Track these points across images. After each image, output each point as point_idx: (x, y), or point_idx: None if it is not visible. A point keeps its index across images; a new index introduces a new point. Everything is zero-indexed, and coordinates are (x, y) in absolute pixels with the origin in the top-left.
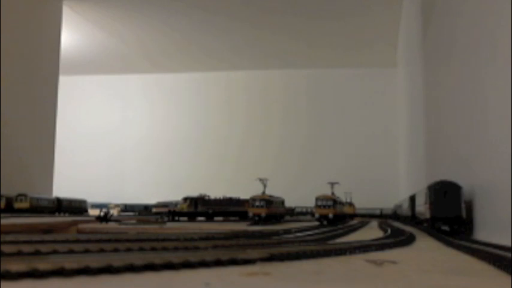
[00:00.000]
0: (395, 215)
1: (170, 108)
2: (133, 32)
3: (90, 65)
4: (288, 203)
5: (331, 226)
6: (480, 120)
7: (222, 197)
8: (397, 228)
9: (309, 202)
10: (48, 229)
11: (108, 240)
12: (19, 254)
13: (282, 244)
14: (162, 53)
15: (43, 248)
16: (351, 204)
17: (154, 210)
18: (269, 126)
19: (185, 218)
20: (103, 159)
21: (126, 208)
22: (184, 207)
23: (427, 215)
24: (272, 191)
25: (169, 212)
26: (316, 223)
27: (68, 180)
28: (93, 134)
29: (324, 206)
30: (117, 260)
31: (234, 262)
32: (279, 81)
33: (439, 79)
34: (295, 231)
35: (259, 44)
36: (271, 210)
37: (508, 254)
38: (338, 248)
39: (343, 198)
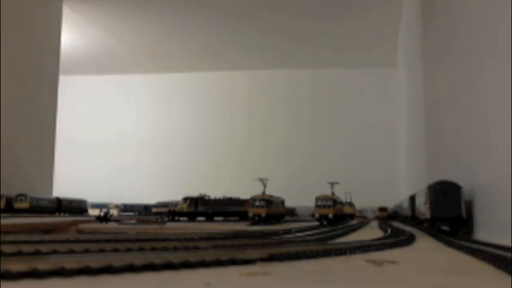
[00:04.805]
0: (395, 215)
1: (172, 107)
2: (135, 32)
3: (90, 65)
4: (288, 203)
5: (331, 226)
6: (480, 120)
7: (222, 197)
8: (397, 228)
9: (309, 202)
10: (48, 229)
11: (108, 240)
12: (19, 254)
13: (282, 244)
14: (163, 52)
15: (43, 248)
16: (351, 204)
17: (154, 210)
18: (270, 126)
19: (185, 218)
20: (103, 159)
21: (126, 208)
22: (184, 207)
23: (427, 215)
24: (272, 191)
25: (169, 212)
26: (316, 223)
27: (68, 180)
28: (94, 134)
29: (324, 206)
30: (117, 260)
31: (234, 262)
32: (280, 81)
33: (439, 79)
34: (295, 231)
35: (261, 44)
36: (271, 210)
37: (508, 254)
38: (338, 248)
39: (343, 198)
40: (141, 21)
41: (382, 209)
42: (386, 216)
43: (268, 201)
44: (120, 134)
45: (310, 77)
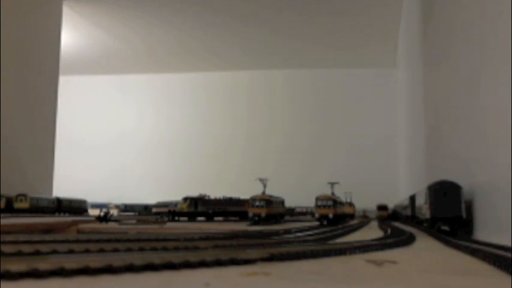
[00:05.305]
0: (395, 215)
1: (172, 107)
2: (135, 32)
3: (90, 65)
4: (288, 203)
5: (331, 226)
6: (480, 120)
7: (222, 197)
8: (397, 228)
9: (310, 202)
10: (48, 229)
11: (108, 240)
12: (19, 254)
13: (282, 244)
14: (164, 52)
15: (43, 248)
16: (351, 204)
17: (154, 210)
18: (270, 126)
19: (185, 218)
20: (103, 159)
21: (126, 208)
22: (184, 207)
23: (427, 215)
24: (273, 191)
25: (169, 212)
26: (316, 223)
27: (68, 180)
28: (94, 134)
29: (324, 206)
30: (117, 260)
31: (234, 262)
32: (281, 81)
33: (439, 79)
34: (295, 231)
35: (262, 44)
36: (271, 210)
37: (508, 254)
38: (338, 248)
39: (343, 198)
40: (141, 21)
41: (382, 208)
42: (386, 216)
43: (268, 201)
44: (120, 134)
45: (310, 77)
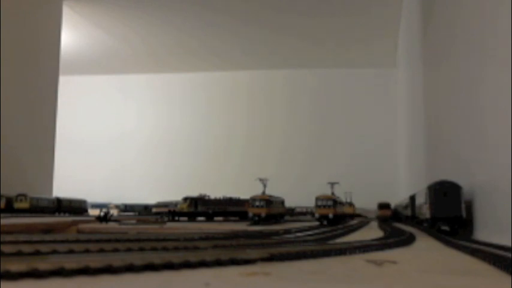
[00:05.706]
0: (395, 215)
1: (172, 107)
2: (135, 32)
3: (90, 65)
4: (288, 203)
5: (331, 226)
6: (480, 120)
7: (222, 197)
8: (397, 228)
9: (310, 202)
10: (48, 229)
11: (108, 240)
12: (19, 254)
13: (282, 244)
14: (164, 52)
15: (43, 248)
16: (351, 204)
17: (154, 210)
18: (271, 126)
19: (185, 218)
20: (103, 159)
21: (126, 208)
22: (184, 207)
23: (427, 215)
24: (273, 191)
25: (169, 212)
26: (316, 223)
27: (68, 180)
28: (94, 134)
29: (324, 206)
30: (117, 260)
31: (234, 262)
32: (281, 81)
33: (439, 79)
34: (295, 231)
35: (262, 43)
36: (271, 210)
37: (508, 254)
38: (338, 248)
39: (343, 198)
40: (141, 21)
41: (384, 206)
42: (389, 216)
43: (268, 201)
44: (120, 134)
45: (310, 77)
